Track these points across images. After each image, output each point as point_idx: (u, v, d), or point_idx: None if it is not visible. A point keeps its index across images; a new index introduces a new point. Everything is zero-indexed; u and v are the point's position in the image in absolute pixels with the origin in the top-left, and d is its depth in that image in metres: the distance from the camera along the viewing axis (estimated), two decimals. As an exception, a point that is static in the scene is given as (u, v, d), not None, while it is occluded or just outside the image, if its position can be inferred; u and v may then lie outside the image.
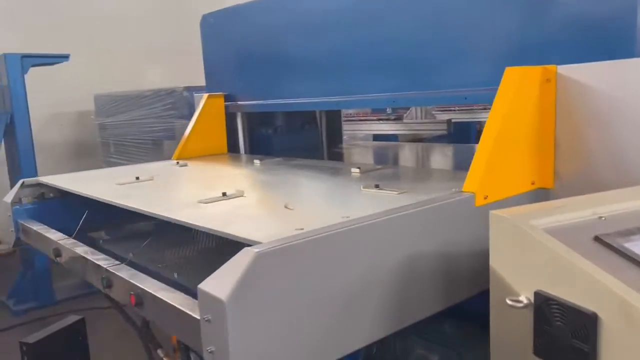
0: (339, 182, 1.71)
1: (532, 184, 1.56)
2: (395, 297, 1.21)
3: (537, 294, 0.99)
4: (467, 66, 1.82)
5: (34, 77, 4.55)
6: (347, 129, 3.96)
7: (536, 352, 1.01)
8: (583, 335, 0.90)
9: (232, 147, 2.97)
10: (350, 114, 4.32)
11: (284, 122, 3.18)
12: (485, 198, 1.40)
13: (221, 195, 1.50)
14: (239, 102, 2.83)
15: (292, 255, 1.01)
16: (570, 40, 1.56)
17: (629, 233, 1.04)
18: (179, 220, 1.28)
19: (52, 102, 5.73)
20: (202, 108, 2.69)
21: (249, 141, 3.02)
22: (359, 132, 4.38)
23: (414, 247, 1.24)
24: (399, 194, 1.44)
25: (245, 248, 0.98)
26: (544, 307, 0.97)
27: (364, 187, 1.53)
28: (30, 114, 4.24)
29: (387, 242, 1.19)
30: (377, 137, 4.41)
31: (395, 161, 3.10)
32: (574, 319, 0.92)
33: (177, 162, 2.40)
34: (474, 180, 1.40)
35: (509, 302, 1.00)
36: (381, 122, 4.03)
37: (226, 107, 2.87)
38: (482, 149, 1.42)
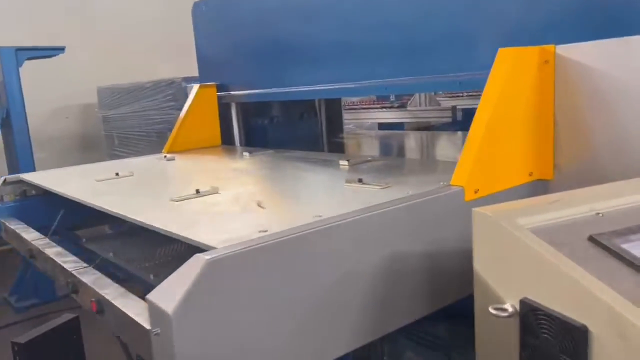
0: (323, 177, 1.61)
1: (530, 175, 1.44)
2: (376, 302, 1.11)
3: (523, 303, 0.88)
4: (462, 50, 1.70)
5: (40, 71, 4.52)
6: (350, 118, 3.85)
7: (522, 366, 0.90)
8: (572, 350, 0.80)
9: (227, 139, 2.88)
10: (353, 102, 4.20)
11: (281, 113, 3.07)
12: (475, 192, 1.29)
13: (194, 192, 1.41)
14: (232, 92, 2.74)
15: (250, 261, 0.92)
16: (572, 19, 1.43)
17: (628, 232, 0.92)
18: (138, 221, 1.19)
19: (58, 95, 5.71)
20: (193, 99, 2.60)
21: (244, 133, 2.92)
22: (362, 121, 4.26)
23: (394, 248, 1.14)
24: (382, 189, 1.33)
25: (196, 255, 0.89)
26: (530, 317, 0.86)
27: (346, 182, 1.43)
28: (36, 108, 4.18)
29: (362, 243, 1.08)
30: (382, 126, 4.29)
31: (397, 151, 2.98)
32: (561, 332, 0.81)
33: (165, 156, 2.32)
34: (463, 173, 1.29)
35: (492, 310, 0.90)
36: (385, 110, 3.90)
37: (219, 97, 2.78)
38: (472, 138, 1.31)
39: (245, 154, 2.23)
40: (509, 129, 1.36)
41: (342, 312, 1.05)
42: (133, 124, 4.95)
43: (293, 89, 2.39)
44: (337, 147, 3.19)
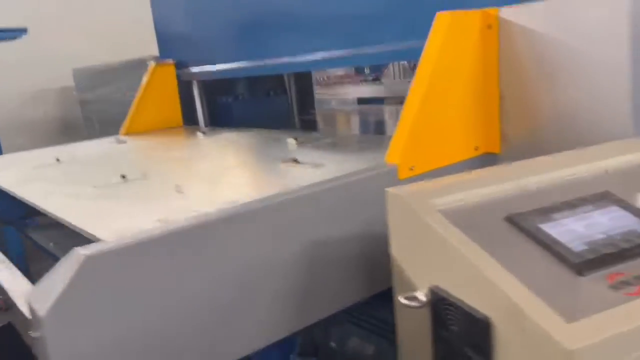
0: (263, 157, 1.53)
1: (476, 149, 1.36)
2: (297, 292, 1.04)
3: (432, 292, 0.80)
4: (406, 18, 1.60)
5: (17, 54, 4.39)
6: (330, 93, 3.72)
7: (438, 358, 0.83)
8: (476, 343, 0.73)
9: (192, 119, 2.78)
10: (329, 77, 4.07)
11: (247, 89, 2.97)
12: (411, 169, 1.21)
13: (120, 178, 1.33)
14: (192, 70, 2.63)
15: (138, 255, 0.84)
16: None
17: (551, 210, 0.84)
18: (41, 208, 1.11)
19: (35, 79, 5.59)
20: (149, 79, 2.50)
21: (208, 112, 2.82)
22: (343, 96, 4.14)
23: (317, 233, 1.06)
24: (314, 169, 1.25)
25: (74, 249, 0.81)
26: (440, 307, 0.79)
27: (282, 162, 1.34)
28: (14, 91, 4.03)
29: (278, 230, 1.00)
30: (362, 101, 4.17)
31: (373, 126, 2.89)
32: (467, 324, 0.74)
33: (117, 139, 2.23)
34: (396, 149, 1.20)
35: (401, 300, 0.83)
36: (361, 84, 3.77)
37: (179, 75, 2.68)
38: (407, 112, 1.22)
39: (200, 134, 2.15)
40: (449, 100, 1.27)
41: (255, 306, 0.98)
42: (111, 106, 4.84)
43: (250, 64, 2.29)
44: (310, 124, 3.10)
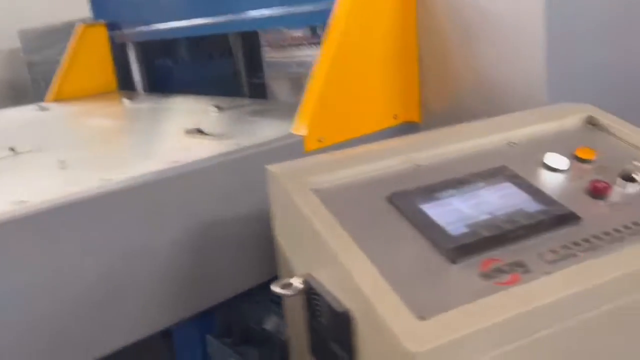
0: (173, 128, 1.43)
1: (395, 117, 1.28)
2: (185, 276, 0.96)
3: (305, 280, 0.74)
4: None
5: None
6: (274, 55, 3.59)
7: (312, 350, 0.77)
8: (340, 338, 0.67)
9: (131, 84, 2.63)
10: (284, 39, 3.92)
11: (188, 52, 2.81)
12: (320, 141, 1.13)
13: (8, 151, 1.22)
14: (125, 31, 2.47)
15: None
16: None
17: (437, 188, 0.77)
18: None
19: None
20: (76, 41, 2.34)
21: (146, 76, 2.67)
22: (302, 59, 4.01)
23: (209, 214, 0.98)
24: (218, 141, 1.16)
25: None
26: (310, 297, 0.73)
27: (186, 133, 1.25)
28: None
29: (160, 211, 0.92)
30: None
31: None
32: (331, 317, 0.67)
33: (40, 107, 2.08)
34: (303, 119, 1.12)
35: (274, 288, 0.76)
36: (315, 46, 3.65)
37: (112, 37, 2.51)
38: (315, 79, 1.13)
39: (126, 101, 2.02)
40: (363, 65, 1.19)
41: (130, 296, 0.90)
42: (58, 67, 4.62)
43: (188, 24, 2.16)
44: (260, 90, 2.97)
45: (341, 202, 0.74)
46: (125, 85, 2.63)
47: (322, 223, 0.68)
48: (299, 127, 1.11)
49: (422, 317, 0.55)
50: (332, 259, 0.64)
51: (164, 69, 2.71)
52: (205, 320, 1.49)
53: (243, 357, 1.29)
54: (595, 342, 0.63)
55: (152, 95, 2.22)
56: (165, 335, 1.61)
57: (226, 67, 2.94)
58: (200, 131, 1.23)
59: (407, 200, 0.74)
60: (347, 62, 1.15)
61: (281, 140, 1.09)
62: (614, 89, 1.20)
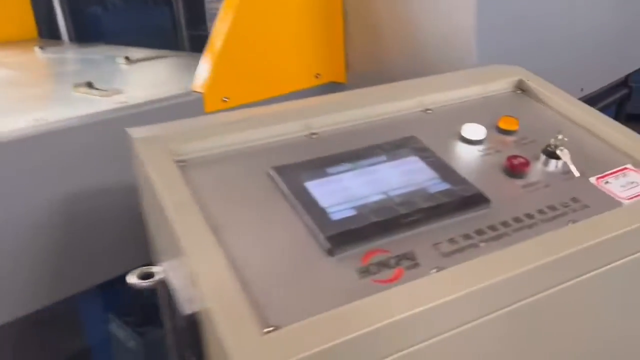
0: (69, 81, 1.25)
1: (317, 77, 1.15)
2: (52, 265, 0.83)
3: (165, 270, 0.61)
4: None
5: None
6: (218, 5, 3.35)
7: (176, 352, 0.66)
8: (190, 343, 0.55)
9: (54, 32, 2.39)
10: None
11: (121, -2, 2.57)
12: (224, 101, 0.99)
13: None
14: (44, -28, 2.22)
15: None
16: None
17: (329, 162, 0.65)
18: None
19: None
20: (-15, -20, 2.08)
21: (72, 24, 2.43)
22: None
23: (78, 182, 0.83)
24: (106, 97, 1.00)
25: None
26: (168, 291, 0.61)
27: (75, 87, 1.08)
28: None
29: (20, 179, 0.77)
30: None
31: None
32: (182, 318, 0.55)
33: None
34: (204, 75, 0.97)
35: (129, 279, 0.63)
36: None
37: (31, -22, 2.26)
38: (217, 30, 0.98)
39: (38, 50, 1.81)
40: (276, 16, 1.04)
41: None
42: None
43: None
44: (201, 42, 2.76)
45: (210, 177, 0.61)
46: (51, 34, 2.39)
47: (175, 203, 0.55)
48: (199, 84, 0.97)
49: (273, 328, 0.44)
50: (179, 249, 0.52)
51: (93, 16, 2.48)
52: (111, 296, 1.37)
53: (143, 337, 1.17)
54: (486, 350, 0.54)
55: (72, 45, 2.01)
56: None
57: (164, 17, 2.72)
58: (90, 85, 1.06)
59: (290, 176, 0.62)
60: (257, 11, 1.00)
61: (177, 98, 0.95)
62: (547, 47, 1.09)
